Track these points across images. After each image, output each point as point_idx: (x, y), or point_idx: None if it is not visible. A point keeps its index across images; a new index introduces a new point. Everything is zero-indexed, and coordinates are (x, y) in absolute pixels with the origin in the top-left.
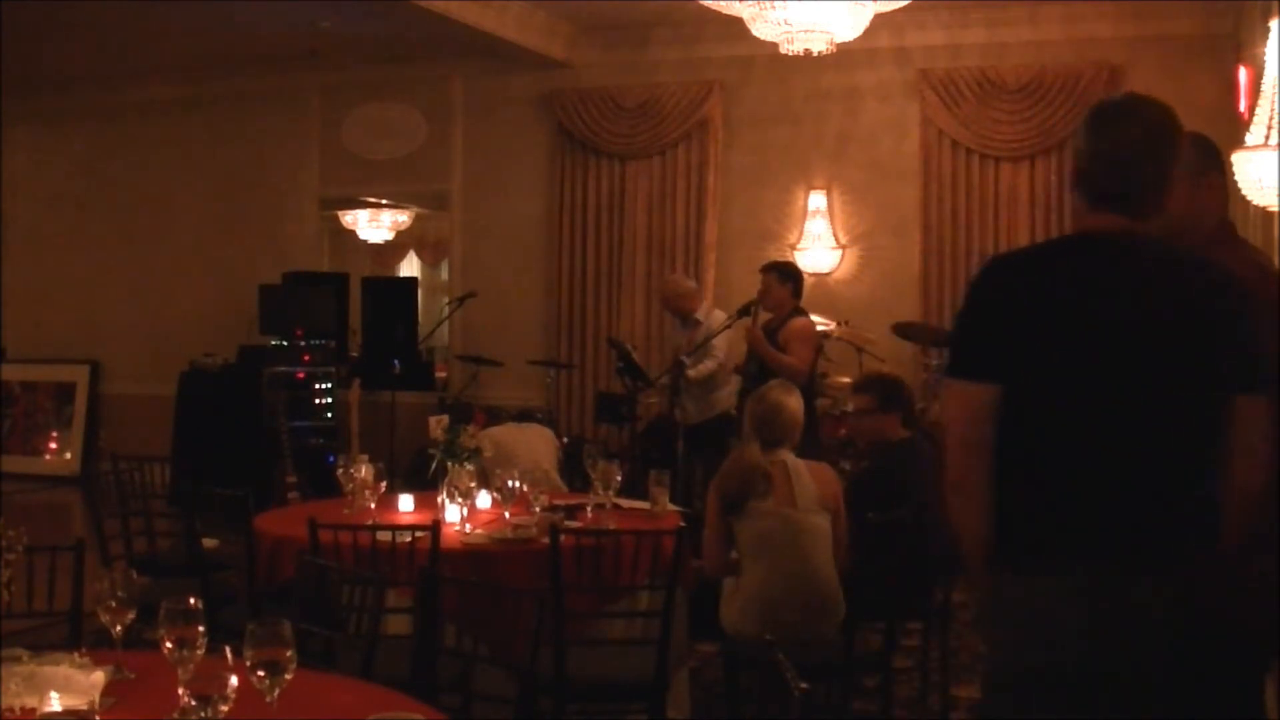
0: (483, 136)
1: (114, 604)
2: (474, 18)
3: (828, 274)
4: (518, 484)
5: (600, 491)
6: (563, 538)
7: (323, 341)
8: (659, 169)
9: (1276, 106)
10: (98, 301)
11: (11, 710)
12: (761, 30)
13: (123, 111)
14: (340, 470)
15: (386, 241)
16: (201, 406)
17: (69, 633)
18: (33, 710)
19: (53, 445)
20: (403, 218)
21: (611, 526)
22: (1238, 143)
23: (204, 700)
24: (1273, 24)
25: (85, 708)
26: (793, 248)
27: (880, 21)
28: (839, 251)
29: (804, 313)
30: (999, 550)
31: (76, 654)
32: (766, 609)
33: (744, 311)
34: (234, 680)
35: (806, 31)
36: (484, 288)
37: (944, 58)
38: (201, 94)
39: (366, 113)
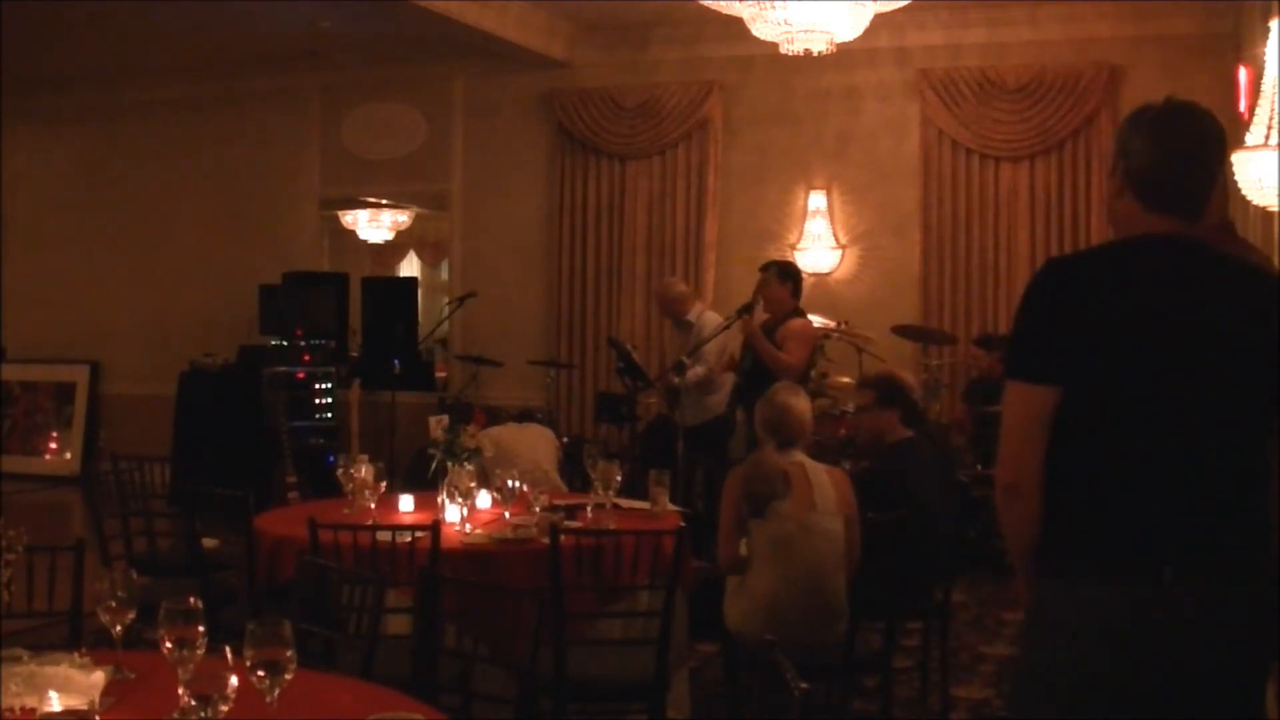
0: (483, 136)
1: (114, 604)
2: (474, 18)
3: (828, 274)
4: (518, 484)
5: (600, 491)
6: (563, 538)
7: (323, 341)
8: (659, 169)
9: (1276, 106)
10: (98, 301)
11: (11, 710)
12: (761, 30)
13: (123, 111)
14: (340, 470)
15: (386, 241)
16: (201, 406)
17: (69, 633)
18: (33, 710)
19: (53, 445)
20: (403, 218)
21: (611, 526)
22: (1238, 143)
23: (204, 700)
24: (1273, 24)
25: (85, 708)
26: (793, 248)
27: (880, 21)
28: (839, 251)
29: (802, 313)
30: (1049, 554)
31: (76, 654)
32: (772, 613)
33: (743, 310)
34: (234, 680)
35: (806, 31)
36: (484, 288)
37: (944, 58)
38: (201, 94)
39: (366, 113)
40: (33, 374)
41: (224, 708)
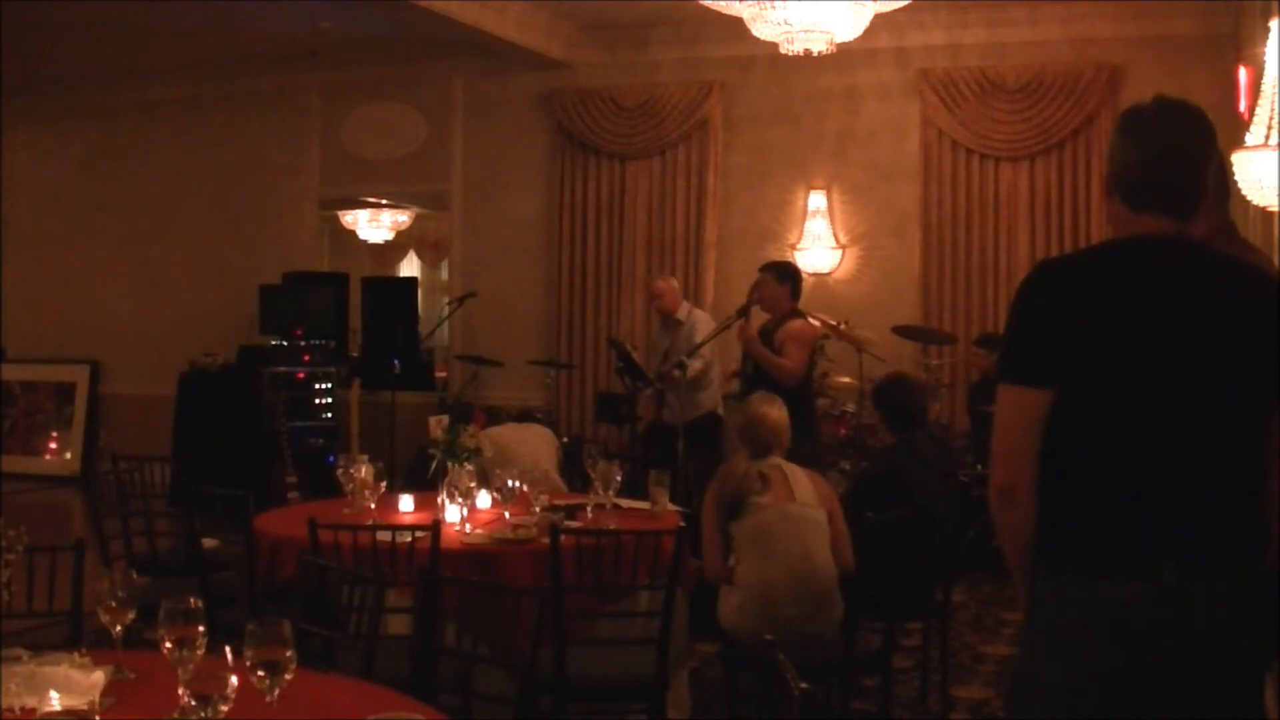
0: (483, 136)
1: (114, 604)
2: (474, 18)
3: (828, 274)
4: (518, 484)
5: (600, 491)
6: (563, 538)
7: (323, 341)
8: (659, 169)
9: (1276, 106)
10: (98, 301)
11: (11, 710)
12: (761, 30)
13: (123, 111)
14: (340, 470)
15: (386, 241)
16: (201, 406)
17: (69, 633)
18: (33, 710)
19: (53, 445)
20: (403, 218)
21: (611, 526)
22: (1238, 143)
23: (204, 700)
24: (1273, 24)
25: (85, 708)
26: (793, 248)
27: (880, 21)
28: (839, 251)
29: (802, 314)
30: (1048, 554)
31: (76, 654)
32: (764, 602)
33: (740, 313)
34: (234, 680)
35: (806, 31)
36: (484, 288)
37: (944, 58)
38: (201, 94)
39: (366, 113)
40: (33, 374)
41: (224, 708)
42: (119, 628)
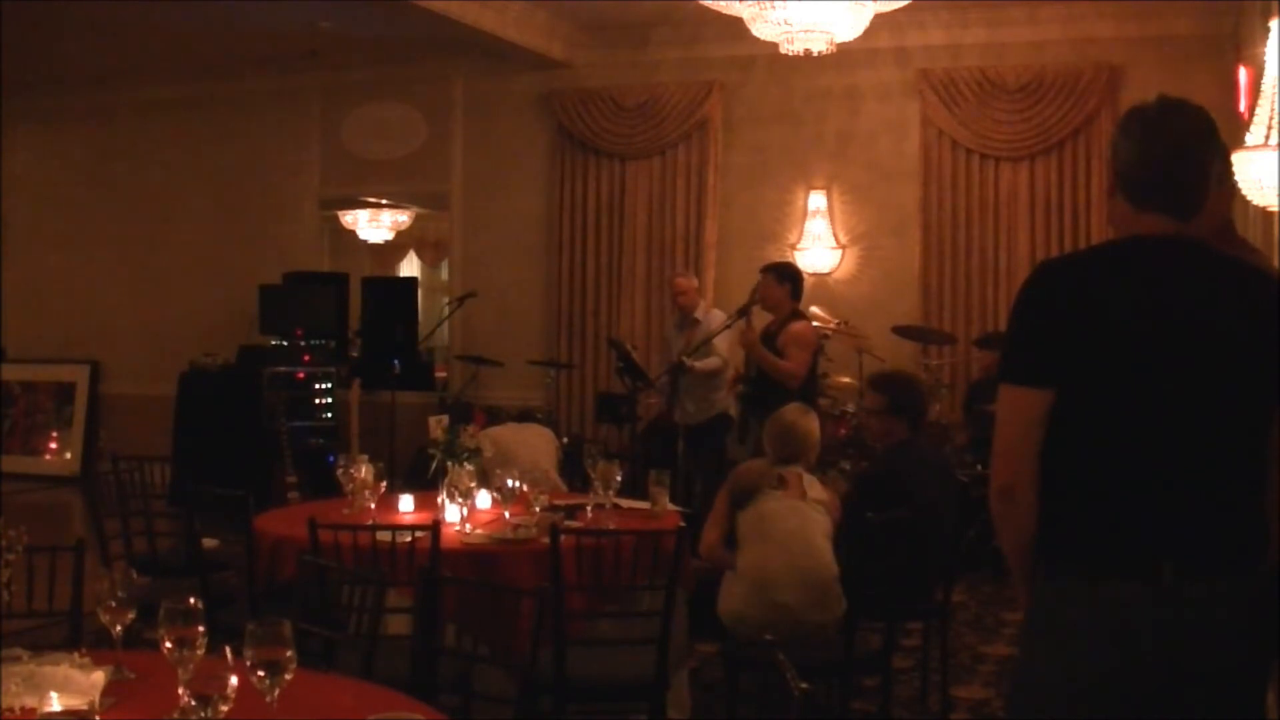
0: (483, 136)
1: (114, 604)
2: (474, 18)
3: (828, 274)
4: (518, 484)
5: (600, 491)
6: (563, 538)
7: (323, 341)
8: (659, 169)
9: (1276, 106)
10: (98, 301)
11: (11, 710)
12: (761, 30)
13: (123, 111)
14: (340, 470)
15: (386, 241)
16: (201, 406)
17: (69, 633)
18: (33, 710)
19: (53, 445)
20: (403, 218)
21: (611, 526)
22: (1238, 143)
23: (204, 700)
24: (1273, 24)
25: (85, 708)
26: (793, 248)
27: (880, 21)
28: (839, 251)
29: (803, 315)
30: (1048, 555)
31: (76, 654)
32: (763, 588)
33: (741, 313)
34: (234, 680)
35: (806, 31)
36: (484, 288)
37: (944, 58)
38: (201, 94)
39: (366, 113)
40: (33, 374)
41: (224, 708)
42: (119, 628)
